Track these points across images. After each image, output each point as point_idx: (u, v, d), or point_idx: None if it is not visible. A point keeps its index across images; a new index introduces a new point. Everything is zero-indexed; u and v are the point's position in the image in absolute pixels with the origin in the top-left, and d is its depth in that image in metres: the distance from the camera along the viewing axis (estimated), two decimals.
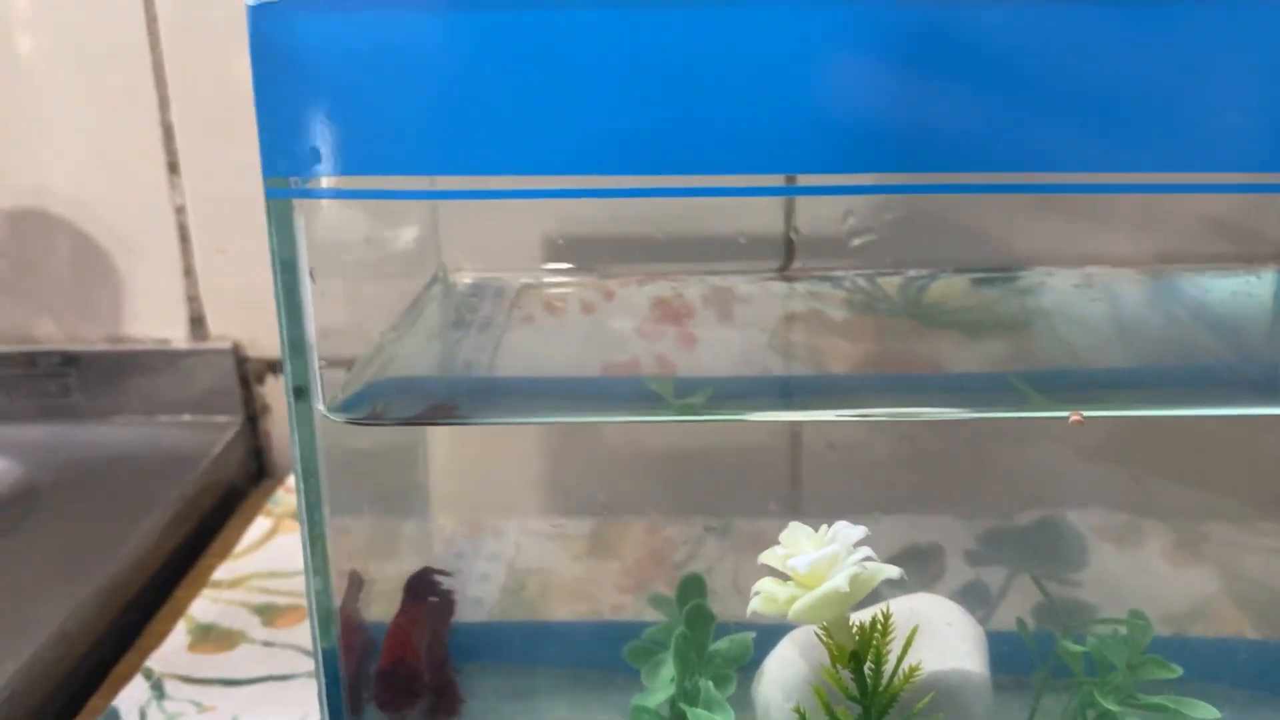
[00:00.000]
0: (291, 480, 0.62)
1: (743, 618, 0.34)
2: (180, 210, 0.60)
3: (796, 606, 0.31)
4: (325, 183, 0.28)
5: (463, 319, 0.42)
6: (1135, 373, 0.38)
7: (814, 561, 0.31)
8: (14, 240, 0.61)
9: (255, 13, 0.26)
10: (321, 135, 0.27)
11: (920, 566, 0.51)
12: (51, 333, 0.62)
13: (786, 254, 0.46)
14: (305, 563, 0.33)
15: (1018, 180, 0.28)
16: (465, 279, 0.44)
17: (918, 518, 0.49)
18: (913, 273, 0.45)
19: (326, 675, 0.34)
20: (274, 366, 0.63)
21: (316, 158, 0.27)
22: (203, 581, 0.53)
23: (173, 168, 0.59)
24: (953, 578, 0.50)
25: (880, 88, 0.26)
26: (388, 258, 0.37)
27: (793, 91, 0.26)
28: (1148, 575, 0.47)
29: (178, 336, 0.62)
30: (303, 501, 0.31)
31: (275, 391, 0.63)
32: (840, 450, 0.52)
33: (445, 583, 0.40)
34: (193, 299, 0.62)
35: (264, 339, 0.62)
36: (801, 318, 0.44)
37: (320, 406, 0.30)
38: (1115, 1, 0.26)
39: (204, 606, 0.50)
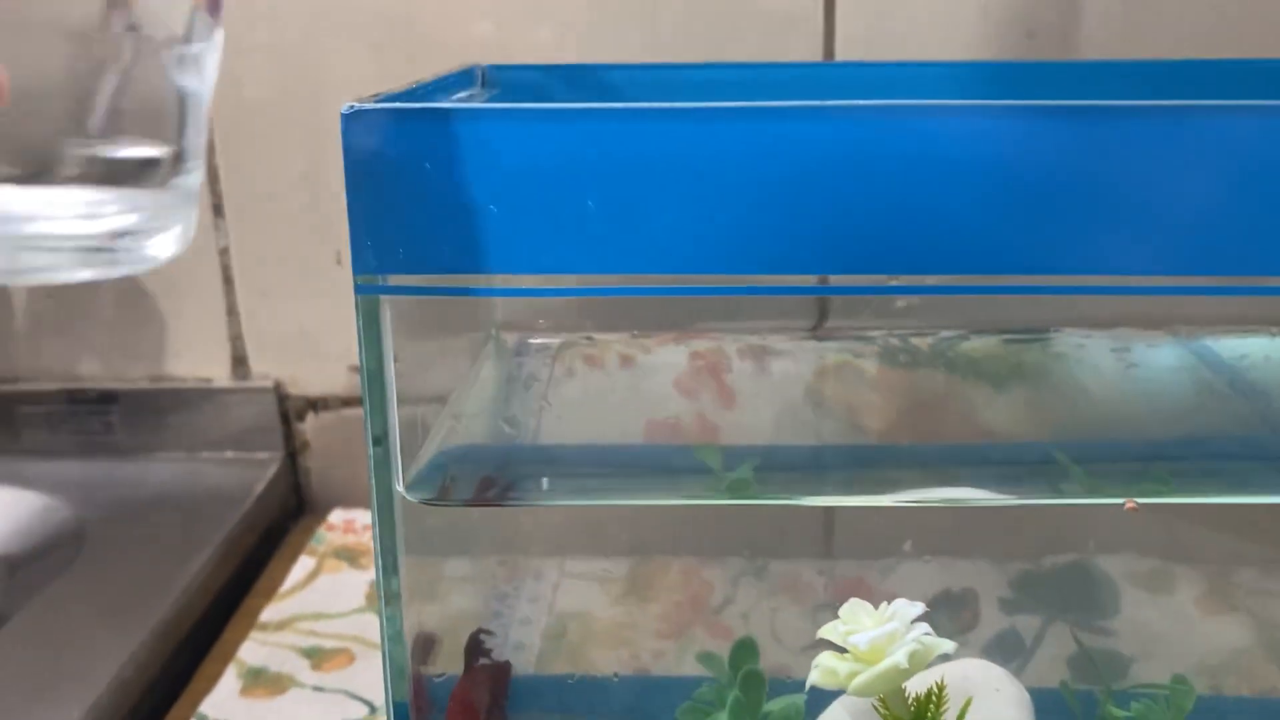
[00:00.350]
0: (333, 517, 0.63)
1: (779, 665, 0.35)
2: (224, 252, 0.61)
3: (857, 681, 0.32)
4: (412, 280, 0.29)
5: (515, 379, 0.43)
6: (1178, 445, 0.39)
7: (875, 638, 0.32)
8: None
9: (348, 120, 0.27)
10: (410, 236, 0.28)
11: (954, 613, 0.52)
12: (96, 371, 0.63)
13: (820, 314, 0.47)
14: (381, 630, 0.33)
15: (1041, 282, 0.29)
16: (511, 338, 0.45)
17: (951, 561, 0.50)
18: (946, 334, 0.46)
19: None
20: (314, 404, 0.64)
21: (406, 257, 0.28)
22: (250, 623, 0.54)
23: (217, 210, 0.60)
24: (986, 625, 0.51)
25: (908, 199, 0.27)
26: (452, 324, 0.38)
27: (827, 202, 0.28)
28: (1180, 624, 0.48)
29: (220, 375, 0.63)
30: (381, 583, 0.32)
31: (315, 428, 0.64)
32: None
33: (499, 641, 0.41)
34: (235, 339, 0.63)
35: (303, 377, 0.63)
36: (837, 372, 0.45)
37: (399, 488, 0.31)
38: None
39: (252, 650, 0.51)
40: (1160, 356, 0.44)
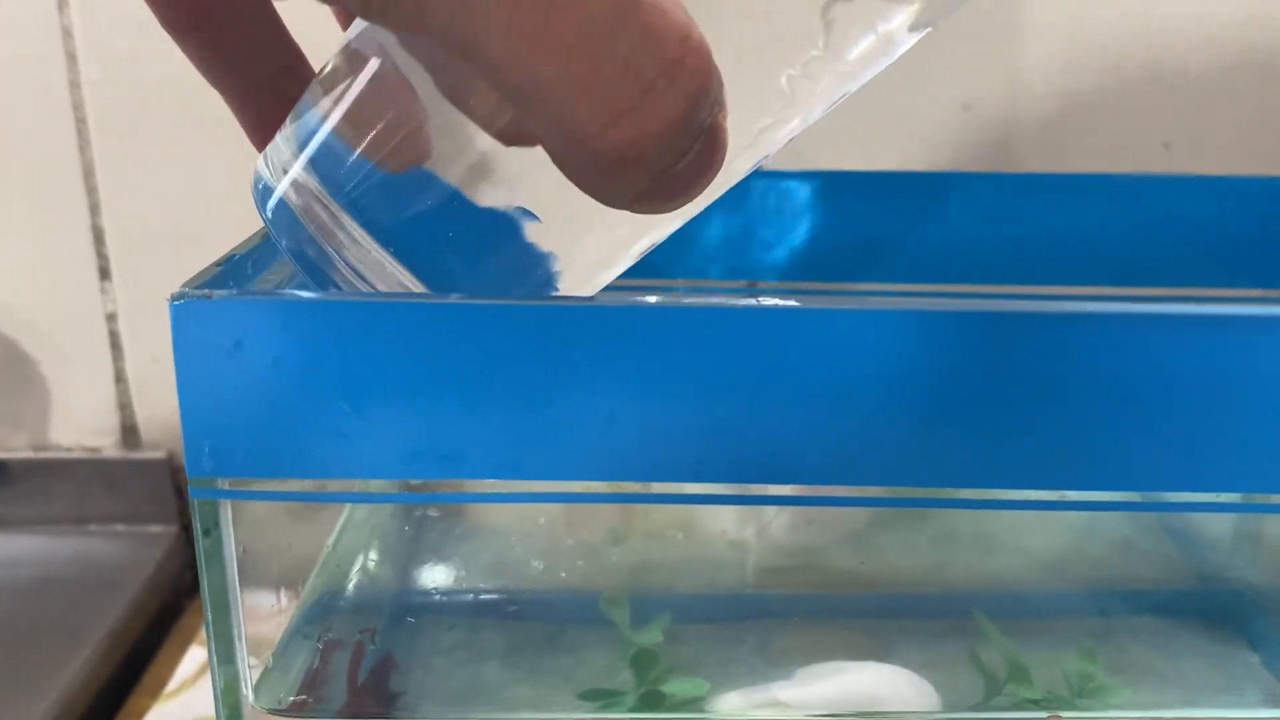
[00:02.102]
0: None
1: None
2: (111, 317, 0.57)
3: None
4: (257, 484, 0.25)
5: (385, 543, 0.39)
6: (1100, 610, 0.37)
7: None
8: None
9: (178, 311, 0.24)
10: (250, 437, 0.25)
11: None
12: None
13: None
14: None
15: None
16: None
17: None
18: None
19: None
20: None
21: (248, 460, 0.25)
22: None
23: (104, 273, 0.56)
24: None
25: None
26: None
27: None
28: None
29: (108, 445, 0.59)
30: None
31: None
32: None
33: None
34: (124, 407, 0.59)
35: None
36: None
37: (249, 697, 0.28)
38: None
39: None
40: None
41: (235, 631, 0.27)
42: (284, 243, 0.25)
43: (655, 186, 0.20)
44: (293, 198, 0.24)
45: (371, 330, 0.24)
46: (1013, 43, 0.52)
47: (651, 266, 0.44)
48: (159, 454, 0.59)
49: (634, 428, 0.25)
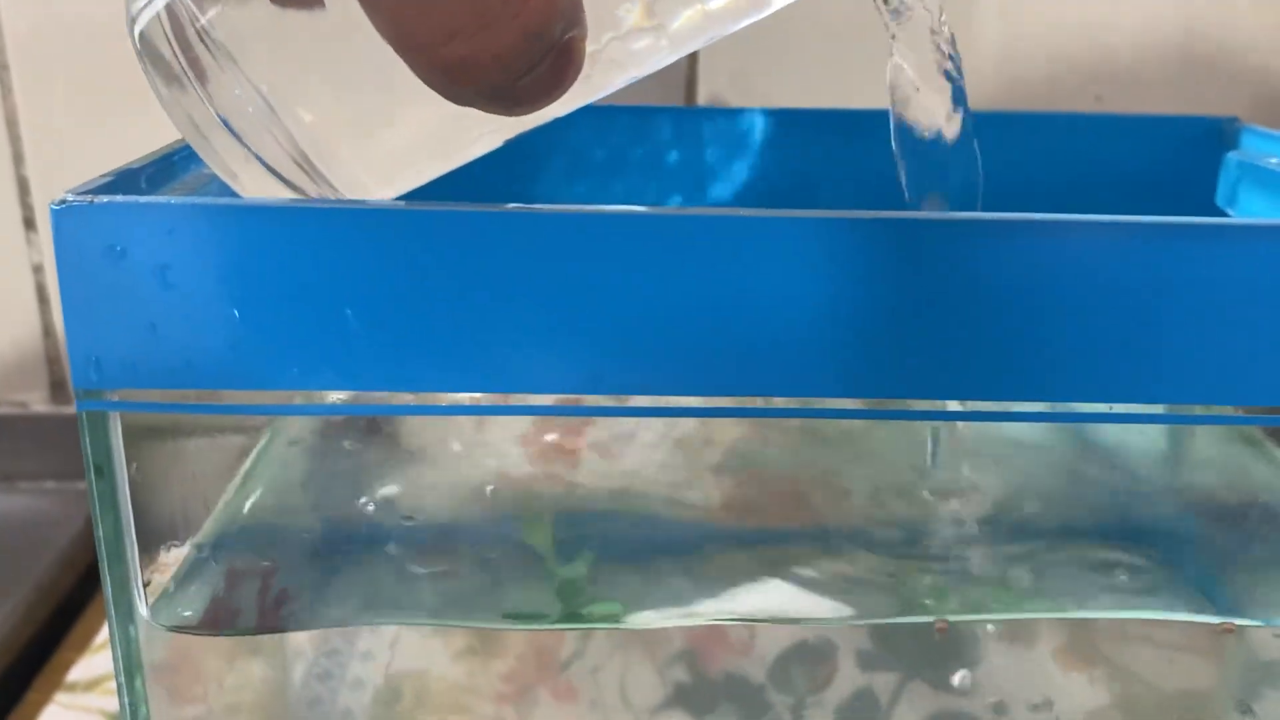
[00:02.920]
0: (165, 555, 0.59)
1: None
2: (38, 269, 0.56)
3: None
4: (145, 395, 0.25)
5: (311, 466, 0.39)
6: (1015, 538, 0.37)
7: None
8: None
9: (59, 216, 0.23)
10: (139, 348, 0.24)
11: (810, 668, 0.50)
12: None
13: None
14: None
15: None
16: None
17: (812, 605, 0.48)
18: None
19: None
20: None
21: (136, 371, 0.24)
22: (57, 682, 0.49)
23: (29, 224, 0.55)
24: (843, 682, 0.49)
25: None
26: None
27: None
28: (1040, 679, 0.47)
29: (37, 400, 0.58)
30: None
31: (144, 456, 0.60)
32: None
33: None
34: (53, 361, 0.58)
35: None
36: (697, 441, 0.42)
37: (143, 610, 0.27)
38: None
39: (55, 715, 0.47)
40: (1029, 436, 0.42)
41: (129, 552, 0.27)
42: (157, 83, 0.24)
43: (498, 96, 0.20)
44: (164, 19, 0.24)
45: (259, 236, 0.24)
46: None
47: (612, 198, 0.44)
48: None
49: (530, 336, 0.24)
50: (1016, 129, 0.41)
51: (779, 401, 0.26)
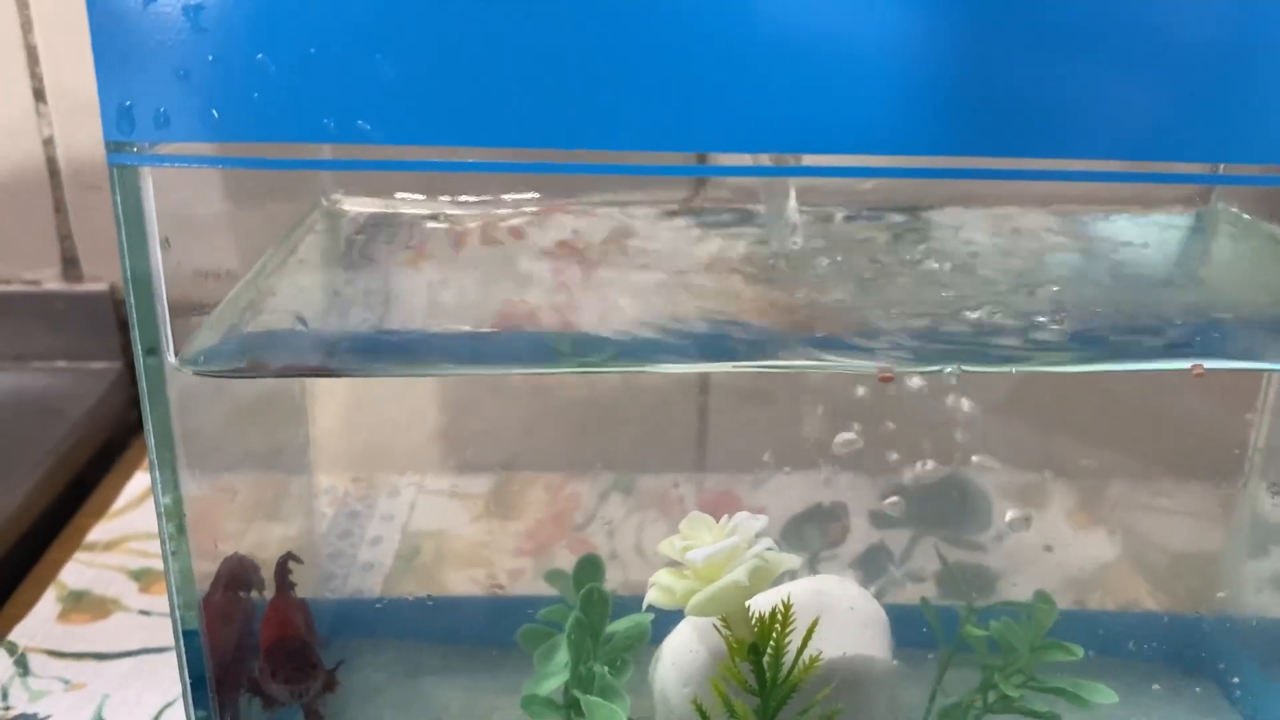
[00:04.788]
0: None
1: (643, 582, 0.33)
2: (48, 143, 0.56)
3: (694, 601, 0.30)
4: (176, 149, 0.25)
5: (345, 255, 0.39)
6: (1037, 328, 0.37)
7: (712, 554, 0.30)
8: None
9: None
10: (174, 96, 0.24)
11: (823, 527, 0.50)
12: None
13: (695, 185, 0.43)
14: (162, 542, 0.30)
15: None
16: (353, 208, 0.41)
17: (824, 473, 0.48)
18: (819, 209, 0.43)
19: (190, 659, 0.32)
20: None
21: (171, 122, 0.24)
22: (76, 543, 0.50)
23: (39, 95, 0.55)
24: (856, 539, 0.49)
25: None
26: (256, 186, 0.34)
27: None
28: (1051, 538, 0.47)
29: (49, 277, 0.58)
30: (156, 476, 0.29)
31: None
32: (747, 405, 0.50)
33: (347, 562, 0.37)
34: (64, 239, 0.57)
35: None
36: (707, 259, 0.42)
37: (171, 359, 0.27)
38: None
39: (77, 571, 0.48)
40: (1037, 239, 0.42)
41: (158, 306, 0.26)
42: None
43: None
44: None
45: None
46: None
47: None
48: (101, 286, 0.58)
49: (575, 79, 0.24)
50: None
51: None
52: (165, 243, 0.26)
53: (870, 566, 0.47)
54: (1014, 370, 0.33)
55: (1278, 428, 0.42)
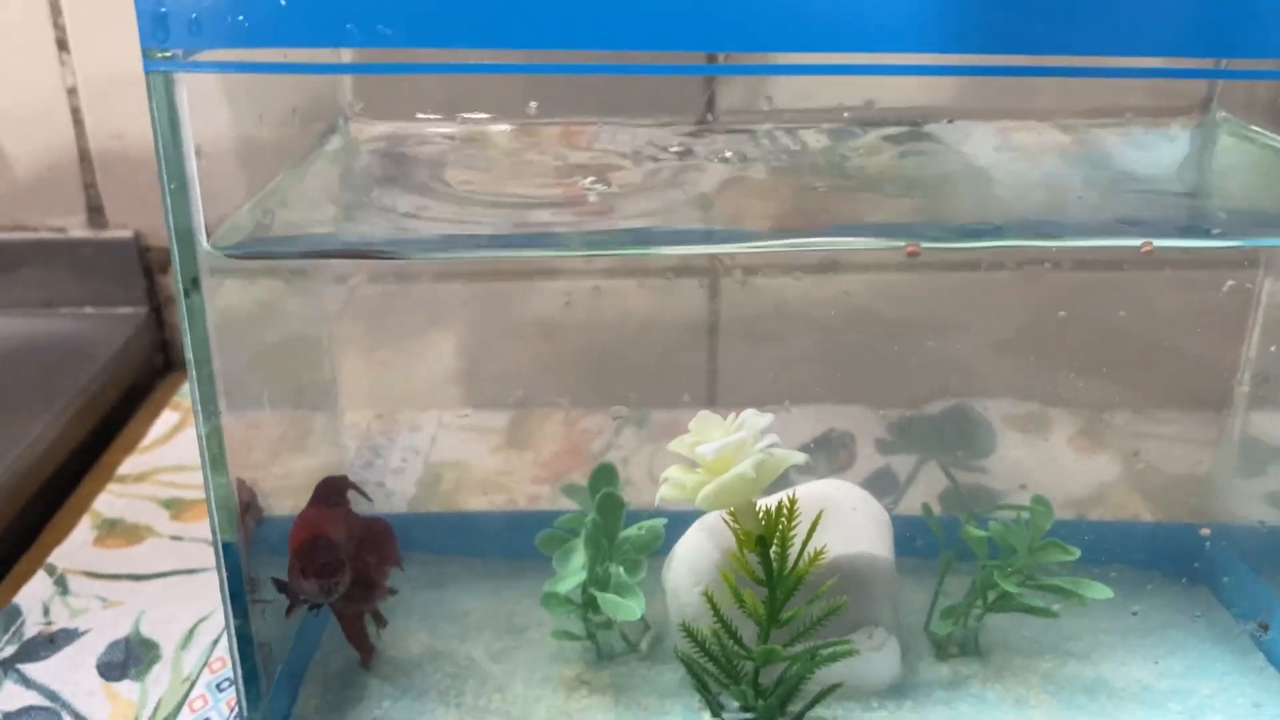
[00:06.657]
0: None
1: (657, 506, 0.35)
2: (72, 92, 0.57)
3: (704, 493, 0.31)
4: (211, 55, 0.26)
5: (371, 163, 0.40)
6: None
7: (721, 448, 0.31)
8: None
9: None
10: (203, 2, 0.25)
11: (832, 454, 0.51)
12: None
13: (707, 105, 0.44)
14: (202, 456, 0.32)
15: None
16: (372, 128, 0.42)
17: (832, 407, 0.50)
18: (830, 126, 0.44)
19: (229, 569, 0.33)
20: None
21: (205, 28, 0.26)
22: (108, 476, 0.51)
23: (62, 44, 0.56)
24: (864, 465, 0.50)
25: None
26: (279, 106, 0.35)
27: None
28: (1052, 461, 0.48)
29: (75, 225, 0.60)
30: (196, 394, 0.30)
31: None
32: (756, 339, 0.51)
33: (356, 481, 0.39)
34: (89, 186, 0.59)
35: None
36: (720, 177, 0.43)
37: (205, 244, 0.29)
38: None
39: (109, 501, 0.49)
40: (1046, 150, 0.42)
41: (194, 214, 0.28)
42: None
43: None
44: None
45: None
46: None
47: None
48: (126, 233, 0.60)
49: None
50: None
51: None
52: (199, 151, 0.28)
53: (877, 489, 0.49)
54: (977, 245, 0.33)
55: (1265, 349, 0.43)
